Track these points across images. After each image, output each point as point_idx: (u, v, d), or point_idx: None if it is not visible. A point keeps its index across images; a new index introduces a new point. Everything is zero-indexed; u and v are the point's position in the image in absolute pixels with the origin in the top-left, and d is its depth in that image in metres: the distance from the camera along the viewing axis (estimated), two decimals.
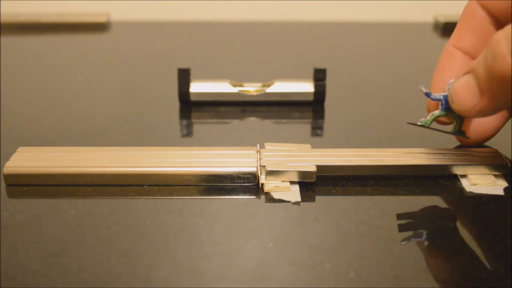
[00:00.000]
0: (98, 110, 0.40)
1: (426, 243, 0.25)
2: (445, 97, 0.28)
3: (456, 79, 0.27)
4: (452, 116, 0.29)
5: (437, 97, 0.29)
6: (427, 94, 0.29)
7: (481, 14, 0.29)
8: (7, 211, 0.27)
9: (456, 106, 0.27)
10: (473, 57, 0.29)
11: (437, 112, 0.29)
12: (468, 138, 0.31)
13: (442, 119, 0.30)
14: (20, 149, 0.30)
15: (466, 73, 0.26)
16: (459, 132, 0.30)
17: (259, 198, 0.28)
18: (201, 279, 0.23)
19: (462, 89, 0.26)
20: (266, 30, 0.63)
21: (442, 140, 0.33)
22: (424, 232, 0.26)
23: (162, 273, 0.23)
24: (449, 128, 0.30)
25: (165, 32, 0.62)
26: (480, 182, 0.29)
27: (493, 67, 0.24)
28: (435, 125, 0.30)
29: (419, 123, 0.29)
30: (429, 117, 0.29)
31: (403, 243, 0.25)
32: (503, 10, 0.28)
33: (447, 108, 0.29)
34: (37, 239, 0.25)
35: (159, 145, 0.33)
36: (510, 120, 0.32)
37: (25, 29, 0.61)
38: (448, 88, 0.28)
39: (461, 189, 0.29)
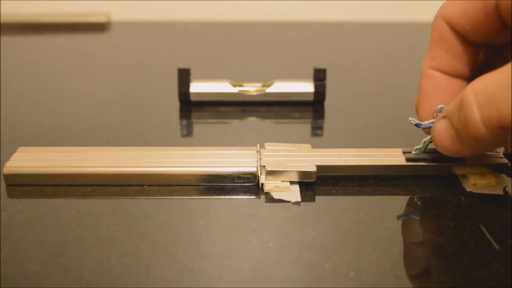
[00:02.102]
0: (98, 110, 0.40)
1: (426, 243, 0.25)
2: None
3: (436, 120, 0.27)
4: None
5: (428, 125, 0.29)
6: (418, 125, 0.29)
7: (451, 34, 0.28)
8: (7, 211, 0.27)
9: (440, 151, 0.27)
10: (452, 75, 0.29)
11: (429, 139, 0.29)
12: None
13: None
14: (20, 149, 0.30)
15: (444, 117, 0.26)
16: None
17: (259, 198, 0.28)
18: (201, 279, 0.23)
19: (443, 136, 0.26)
20: (266, 30, 0.63)
21: None
22: (424, 232, 0.26)
23: (162, 273, 0.23)
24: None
25: (165, 32, 0.62)
26: (480, 182, 0.29)
27: (467, 129, 0.24)
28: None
29: (414, 152, 0.30)
30: (422, 145, 0.29)
31: (403, 243, 0.25)
32: (472, 31, 0.28)
33: None
34: (37, 239, 0.25)
35: (159, 145, 0.33)
36: None
37: (25, 29, 0.61)
38: (437, 115, 0.28)
39: (461, 189, 0.29)
